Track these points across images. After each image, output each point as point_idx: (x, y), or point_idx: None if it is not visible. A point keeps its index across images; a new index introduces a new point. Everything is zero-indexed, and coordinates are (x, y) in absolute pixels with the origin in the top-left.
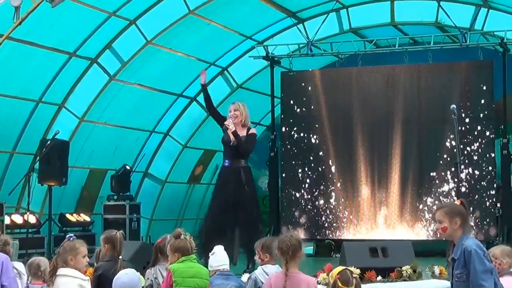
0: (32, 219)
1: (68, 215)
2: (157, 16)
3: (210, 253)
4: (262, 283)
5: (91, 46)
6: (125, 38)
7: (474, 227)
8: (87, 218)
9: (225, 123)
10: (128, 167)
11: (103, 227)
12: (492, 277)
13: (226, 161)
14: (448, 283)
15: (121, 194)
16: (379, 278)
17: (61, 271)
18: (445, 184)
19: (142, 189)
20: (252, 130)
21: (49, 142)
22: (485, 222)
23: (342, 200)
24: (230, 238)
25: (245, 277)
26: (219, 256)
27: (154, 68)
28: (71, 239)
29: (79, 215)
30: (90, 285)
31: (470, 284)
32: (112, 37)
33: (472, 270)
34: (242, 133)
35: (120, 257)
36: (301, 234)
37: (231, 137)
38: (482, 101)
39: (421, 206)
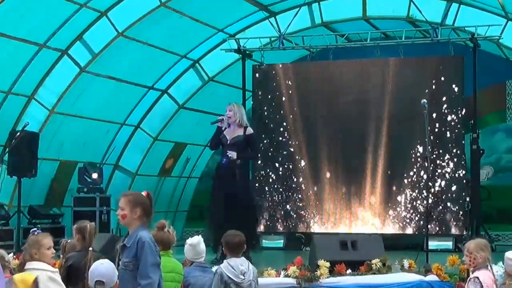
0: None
1: (37, 207)
2: (129, 8)
3: (188, 243)
4: (228, 276)
5: (62, 37)
6: (96, 30)
7: (445, 221)
8: (57, 211)
9: (216, 121)
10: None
11: (73, 220)
12: (159, 271)
13: (223, 159)
14: (417, 276)
15: (91, 186)
16: (349, 271)
17: (28, 265)
18: (416, 178)
19: (113, 182)
20: (250, 130)
21: (18, 133)
22: (454, 216)
23: (313, 194)
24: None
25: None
26: (198, 248)
27: (125, 60)
28: (35, 233)
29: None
30: (59, 277)
31: (138, 275)
32: (83, 29)
33: (142, 261)
34: (239, 133)
35: (90, 248)
36: (271, 227)
37: (228, 136)
38: (453, 96)
39: (391, 200)
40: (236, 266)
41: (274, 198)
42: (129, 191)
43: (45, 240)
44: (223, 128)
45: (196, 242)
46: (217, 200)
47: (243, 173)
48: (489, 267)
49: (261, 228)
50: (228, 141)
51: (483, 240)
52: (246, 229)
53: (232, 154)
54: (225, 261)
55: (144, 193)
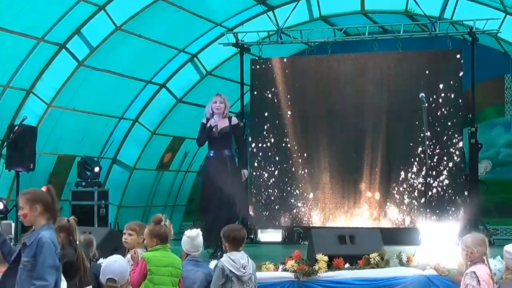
0: None
1: None
2: (127, 2)
3: (186, 235)
4: (230, 270)
5: (60, 31)
6: (94, 24)
7: (443, 215)
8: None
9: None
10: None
11: (71, 214)
12: (56, 275)
13: (211, 151)
14: (416, 271)
15: (89, 180)
16: (347, 265)
17: None
18: (414, 172)
19: (111, 176)
20: (234, 120)
21: (16, 127)
22: (453, 211)
23: (311, 188)
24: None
25: (213, 264)
26: (196, 241)
27: (123, 54)
28: None
29: None
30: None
31: (33, 276)
32: (81, 23)
33: (40, 262)
34: (225, 123)
35: (77, 242)
36: (269, 222)
37: (214, 129)
38: (451, 90)
39: (390, 194)
40: (237, 259)
41: (273, 193)
42: (27, 189)
43: None
44: (208, 124)
45: (195, 235)
46: (208, 194)
47: (233, 165)
48: (486, 262)
49: (260, 222)
50: (217, 134)
51: (480, 235)
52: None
53: (244, 173)
54: (225, 255)
55: (44, 189)
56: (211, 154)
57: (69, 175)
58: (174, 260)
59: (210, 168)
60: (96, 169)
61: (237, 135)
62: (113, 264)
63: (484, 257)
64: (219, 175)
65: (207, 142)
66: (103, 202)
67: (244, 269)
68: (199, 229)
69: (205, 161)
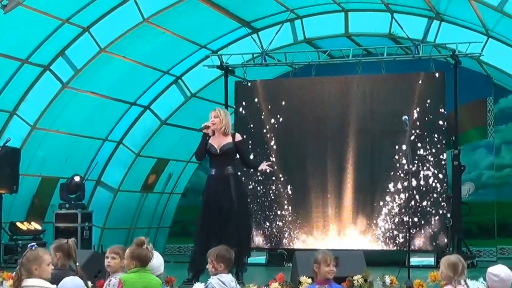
0: None
1: (18, 224)
2: (111, 24)
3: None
4: None
5: (44, 53)
6: (79, 46)
7: (427, 237)
8: (38, 227)
9: (202, 128)
10: (78, 178)
11: (55, 236)
12: None
13: (213, 170)
14: None
15: (72, 202)
16: None
17: (26, 282)
18: (398, 194)
19: (95, 198)
20: (238, 136)
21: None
22: (436, 232)
23: (295, 210)
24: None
25: (199, 286)
26: (154, 263)
27: (107, 76)
28: (33, 248)
29: (30, 224)
30: None
31: None
32: (65, 44)
33: None
34: (227, 140)
35: (77, 264)
36: (253, 243)
37: (215, 145)
38: (434, 112)
39: (373, 216)
40: (228, 282)
41: (256, 214)
42: None
43: (46, 255)
44: (209, 136)
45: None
46: (211, 215)
47: (238, 183)
48: (454, 284)
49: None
50: (218, 151)
51: (453, 258)
52: (239, 246)
53: (265, 165)
54: (215, 277)
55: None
56: (212, 173)
57: (53, 197)
58: (151, 281)
59: (210, 189)
60: (77, 178)
61: (243, 152)
62: (68, 283)
63: (453, 281)
64: (220, 195)
65: (209, 159)
66: (86, 224)
67: None
68: (156, 252)
69: (207, 180)
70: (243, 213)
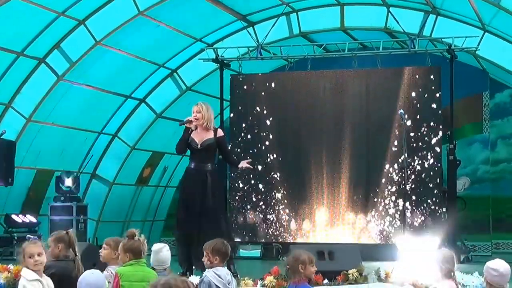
0: None
1: (14, 216)
2: (107, 17)
3: (153, 250)
4: (216, 285)
5: (39, 45)
6: (74, 38)
7: (422, 231)
8: (34, 219)
9: (184, 122)
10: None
11: (50, 228)
12: None
13: (192, 163)
14: (394, 287)
15: (68, 195)
16: (326, 281)
17: (21, 272)
18: (393, 188)
19: (90, 191)
20: (220, 132)
21: None
22: (431, 227)
23: (290, 203)
24: (196, 247)
25: (194, 279)
26: (159, 256)
27: (103, 69)
28: (29, 239)
29: (25, 216)
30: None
31: None
32: (61, 37)
33: None
34: (209, 135)
35: (77, 255)
36: (248, 237)
37: (196, 140)
38: (430, 107)
39: (369, 210)
40: (223, 275)
41: (252, 208)
42: None
43: (27, 248)
44: (191, 130)
45: (158, 249)
46: (187, 210)
47: (215, 180)
48: (453, 278)
49: (239, 237)
50: (199, 146)
51: (449, 252)
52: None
53: (244, 162)
54: (211, 270)
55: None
56: (192, 166)
57: (48, 189)
58: (149, 274)
59: (186, 182)
60: (68, 181)
61: (224, 148)
62: (90, 277)
63: (452, 273)
64: (196, 190)
65: (189, 152)
66: (81, 217)
67: (229, 285)
68: (164, 244)
69: (184, 173)
70: (219, 208)
